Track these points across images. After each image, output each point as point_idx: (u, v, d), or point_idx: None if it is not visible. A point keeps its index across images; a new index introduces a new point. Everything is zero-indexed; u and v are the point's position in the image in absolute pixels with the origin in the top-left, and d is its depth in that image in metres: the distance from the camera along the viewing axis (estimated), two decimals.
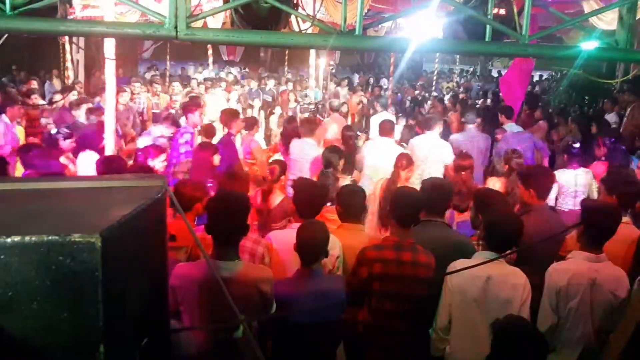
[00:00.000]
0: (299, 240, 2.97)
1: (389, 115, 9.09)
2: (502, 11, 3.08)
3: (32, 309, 1.20)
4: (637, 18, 3.43)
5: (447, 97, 13.75)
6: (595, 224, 3.07)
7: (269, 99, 13.12)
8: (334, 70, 17.69)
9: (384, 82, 17.96)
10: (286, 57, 18.58)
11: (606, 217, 3.13)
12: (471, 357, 2.97)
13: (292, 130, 6.91)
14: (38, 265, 1.19)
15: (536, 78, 19.42)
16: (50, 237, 1.19)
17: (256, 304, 2.78)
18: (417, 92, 15.56)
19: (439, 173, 6.45)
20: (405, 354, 3.21)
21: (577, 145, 5.85)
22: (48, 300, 1.20)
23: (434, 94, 15.01)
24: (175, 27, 2.69)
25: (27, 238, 1.18)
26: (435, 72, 17.55)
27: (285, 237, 3.48)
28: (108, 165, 4.21)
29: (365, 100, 12.53)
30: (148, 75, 16.65)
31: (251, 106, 11.22)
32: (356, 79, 19.05)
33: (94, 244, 1.18)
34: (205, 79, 13.78)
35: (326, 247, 3.00)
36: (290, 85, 14.42)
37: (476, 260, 2.96)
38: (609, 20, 7.17)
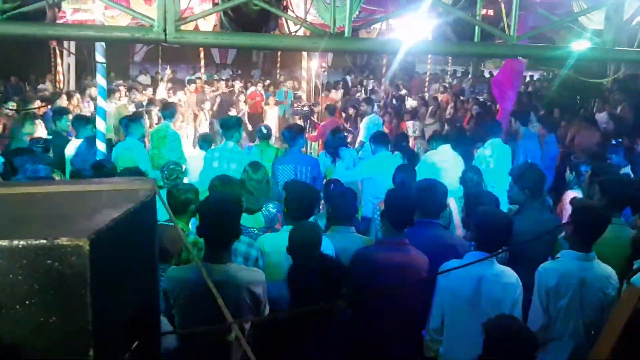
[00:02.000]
0: (291, 242, 2.97)
1: (378, 118, 9.07)
2: (491, 12, 3.11)
3: (20, 313, 1.19)
4: (624, 19, 3.46)
5: (440, 97, 13.78)
6: (584, 223, 3.09)
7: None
8: (325, 72, 17.65)
9: (371, 83, 18.02)
10: (278, 59, 18.56)
11: (595, 216, 3.14)
12: (464, 358, 2.97)
13: (339, 140, 6.55)
14: (26, 270, 1.18)
15: (527, 79, 19.50)
16: (38, 241, 1.18)
17: (249, 307, 2.78)
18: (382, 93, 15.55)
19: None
20: (400, 355, 3.21)
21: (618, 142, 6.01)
22: (36, 305, 1.19)
23: (427, 94, 15.04)
24: (164, 30, 2.69)
25: (15, 242, 1.18)
26: (428, 74, 17.60)
27: (277, 240, 3.48)
28: (99, 170, 4.20)
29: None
30: (141, 79, 16.59)
31: (202, 109, 11.12)
32: (349, 80, 19.05)
33: (82, 247, 1.18)
34: (189, 81, 13.52)
35: (319, 249, 3.01)
36: (259, 87, 14.24)
37: (468, 261, 2.97)
38: (598, 21, 7.22)
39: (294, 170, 5.51)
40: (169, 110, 7.34)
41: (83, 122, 6.38)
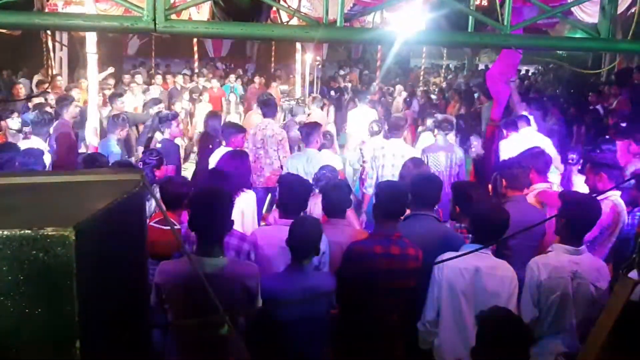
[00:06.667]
0: (292, 235, 2.95)
1: (368, 109, 9.01)
2: (485, 2, 3.10)
3: (5, 305, 1.17)
4: (619, 11, 3.45)
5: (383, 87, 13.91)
6: (575, 216, 3.08)
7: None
8: (320, 66, 17.57)
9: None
10: (273, 53, 18.44)
11: (586, 209, 3.13)
12: (460, 350, 2.97)
13: None
14: (11, 260, 1.17)
15: (522, 72, 19.53)
16: (22, 231, 1.16)
17: (242, 300, 2.76)
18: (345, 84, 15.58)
19: None
20: (394, 348, 3.21)
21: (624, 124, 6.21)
22: (22, 296, 1.18)
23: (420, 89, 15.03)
24: (154, 20, 2.66)
25: None
26: (422, 67, 17.59)
27: (270, 233, 3.46)
28: (90, 163, 4.16)
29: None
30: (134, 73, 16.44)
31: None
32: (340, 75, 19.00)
33: (67, 237, 1.16)
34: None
35: (319, 244, 3.00)
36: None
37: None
38: (593, 13, 7.22)
39: (445, 157, 5.74)
40: (270, 107, 6.54)
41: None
